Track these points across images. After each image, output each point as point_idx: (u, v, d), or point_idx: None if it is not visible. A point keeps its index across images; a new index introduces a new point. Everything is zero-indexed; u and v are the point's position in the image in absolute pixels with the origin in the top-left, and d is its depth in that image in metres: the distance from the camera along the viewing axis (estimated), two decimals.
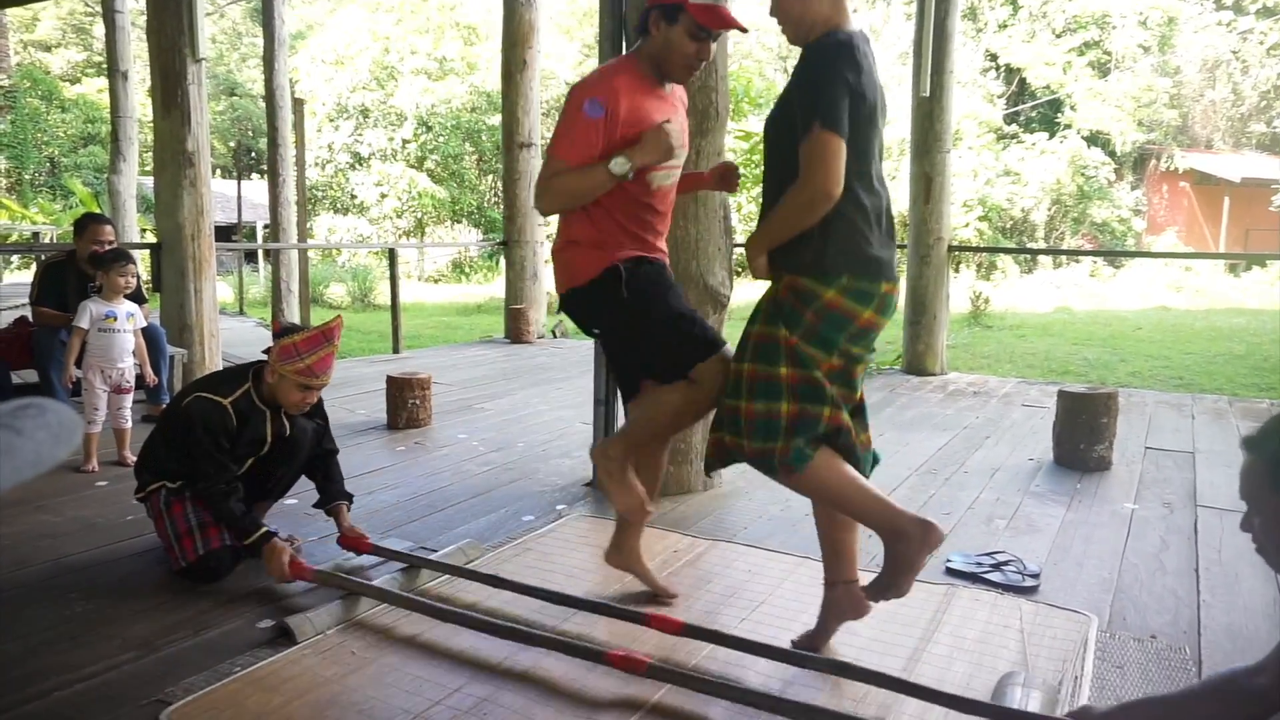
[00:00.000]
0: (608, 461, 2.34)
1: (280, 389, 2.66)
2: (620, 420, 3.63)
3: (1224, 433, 4.80)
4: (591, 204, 2.20)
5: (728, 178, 2.41)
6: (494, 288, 17.05)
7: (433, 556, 2.77)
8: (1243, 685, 1.47)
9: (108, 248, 4.34)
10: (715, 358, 2.18)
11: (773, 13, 1.99)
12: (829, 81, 1.81)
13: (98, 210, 14.15)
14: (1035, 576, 2.71)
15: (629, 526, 2.48)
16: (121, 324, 3.84)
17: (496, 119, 20.50)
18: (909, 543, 1.90)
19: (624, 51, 3.43)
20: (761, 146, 2.08)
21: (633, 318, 2.24)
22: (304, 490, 3.13)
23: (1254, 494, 1.39)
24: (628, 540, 2.50)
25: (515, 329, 8.53)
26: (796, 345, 1.90)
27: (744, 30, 2.18)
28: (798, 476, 1.94)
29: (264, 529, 2.58)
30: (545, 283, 9.29)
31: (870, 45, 1.93)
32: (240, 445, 2.68)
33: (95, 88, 24.16)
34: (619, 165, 2.10)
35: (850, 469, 1.97)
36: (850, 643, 2.23)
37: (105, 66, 11.77)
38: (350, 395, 5.64)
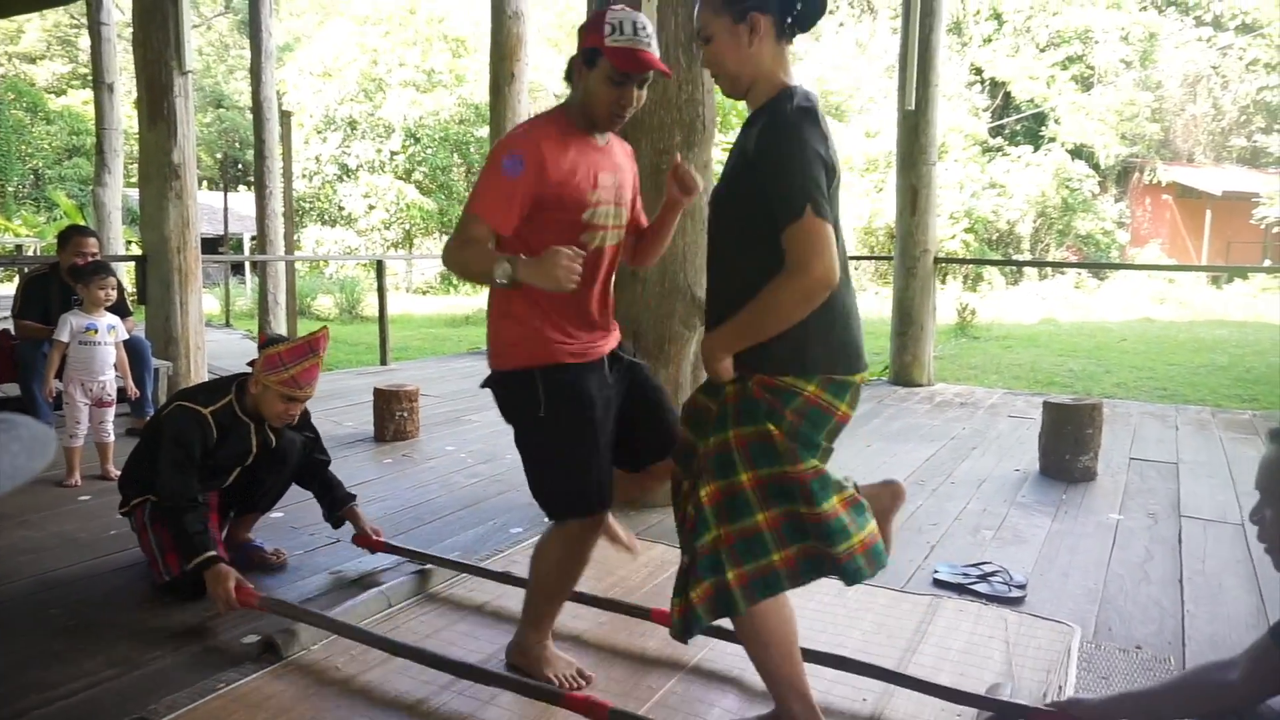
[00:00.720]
0: (527, 658, 2.11)
1: (264, 400, 2.63)
2: None
3: (1207, 444, 4.84)
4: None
5: (685, 183, 2.09)
6: (482, 299, 16.98)
7: (457, 552, 2.76)
8: (1215, 678, 1.54)
9: (89, 260, 4.31)
10: (591, 521, 2.02)
11: (705, 64, 1.82)
12: (808, 159, 1.62)
13: (82, 223, 14.07)
14: (1021, 587, 2.72)
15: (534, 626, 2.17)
16: (102, 336, 3.81)
17: (485, 131, 20.55)
18: None
19: None
20: (708, 223, 1.84)
21: (536, 435, 2.02)
22: (289, 503, 3.12)
23: (1271, 485, 1.43)
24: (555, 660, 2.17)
25: None
26: (788, 442, 1.68)
27: (667, 74, 2.01)
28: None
29: (211, 552, 2.43)
30: None
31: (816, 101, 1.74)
32: (220, 458, 2.64)
33: (80, 100, 24.06)
34: (502, 274, 1.84)
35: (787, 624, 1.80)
36: (834, 652, 2.23)
37: (90, 78, 11.74)
38: (337, 407, 5.62)
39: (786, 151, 1.64)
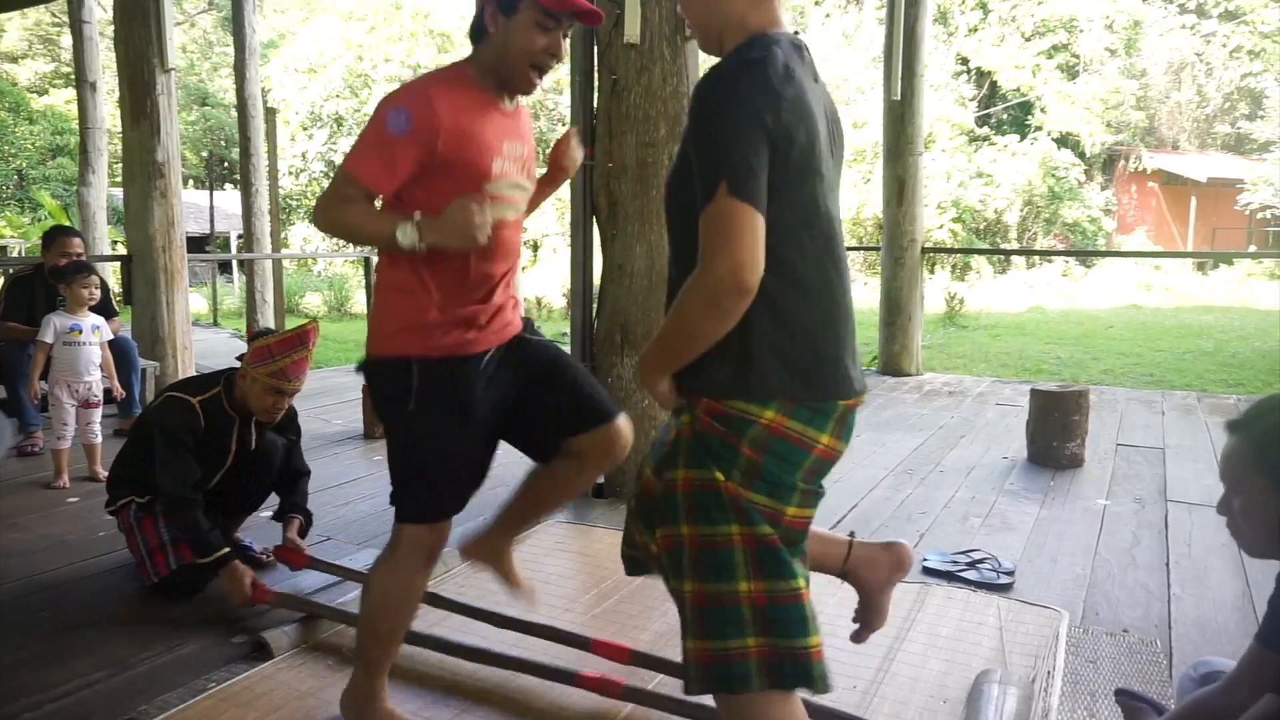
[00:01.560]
0: (355, 710, 1.89)
1: (251, 393, 2.61)
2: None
3: (1193, 428, 4.88)
4: (421, 259, 1.71)
5: (564, 158, 1.95)
6: None
7: None
8: (1220, 704, 1.46)
9: (72, 260, 4.29)
10: (427, 527, 1.81)
11: (681, 11, 1.55)
12: (734, 122, 1.25)
13: (67, 223, 13.98)
14: (1010, 574, 2.74)
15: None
16: (87, 337, 3.79)
17: None
18: None
19: (594, 54, 3.44)
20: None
21: (402, 428, 1.81)
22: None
23: (1236, 475, 1.41)
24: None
25: None
26: (739, 494, 1.30)
27: (599, 19, 1.78)
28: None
29: (225, 549, 2.50)
30: (522, 289, 9.28)
31: (804, 55, 1.37)
32: (205, 451, 2.62)
33: (63, 99, 23.85)
34: (406, 236, 1.64)
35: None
36: (826, 644, 2.24)
37: (73, 77, 11.64)
38: (327, 405, 5.60)
39: (709, 114, 1.28)
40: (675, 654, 2.03)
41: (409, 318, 1.74)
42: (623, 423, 1.93)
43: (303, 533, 2.85)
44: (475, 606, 2.41)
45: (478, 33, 1.76)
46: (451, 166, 1.69)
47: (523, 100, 1.86)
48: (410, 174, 1.69)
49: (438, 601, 2.46)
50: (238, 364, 2.68)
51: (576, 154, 1.98)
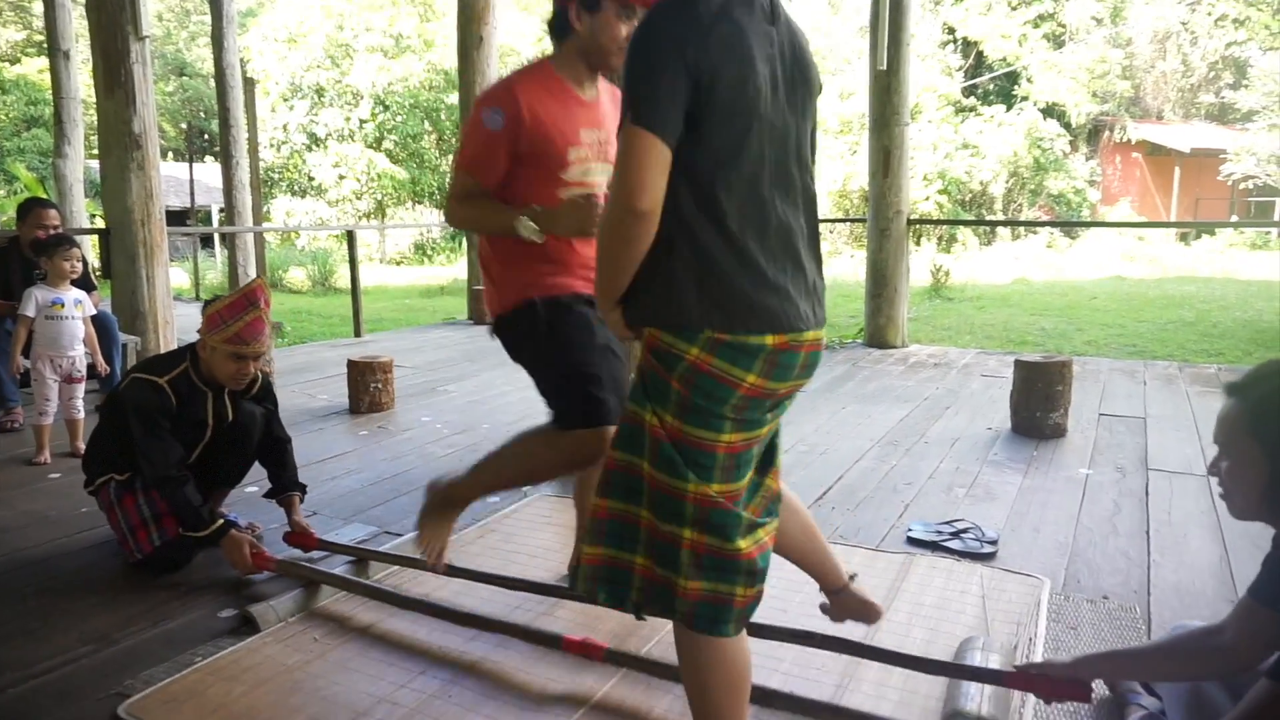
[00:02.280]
0: (435, 504, 2.19)
1: (214, 362, 2.57)
2: None
3: (1174, 398, 4.92)
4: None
5: None
6: (457, 269, 16.89)
7: (396, 541, 2.76)
8: (1204, 644, 1.52)
9: (51, 233, 4.23)
10: (593, 432, 1.98)
11: None
12: (650, 59, 1.30)
13: (44, 195, 13.75)
14: (993, 543, 2.77)
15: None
16: (70, 311, 3.75)
17: (455, 97, 20.22)
18: None
19: None
20: None
21: (546, 354, 2.07)
22: (263, 478, 3.09)
23: (1229, 437, 1.44)
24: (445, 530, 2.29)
25: (479, 310, 8.46)
26: (663, 440, 1.39)
27: None
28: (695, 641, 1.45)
29: (221, 520, 2.53)
30: None
31: None
32: (182, 427, 2.59)
33: (36, 68, 23.37)
34: (527, 229, 1.93)
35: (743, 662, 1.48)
36: (813, 613, 2.26)
37: (46, 46, 11.40)
38: (311, 380, 5.57)
39: (632, 49, 1.33)
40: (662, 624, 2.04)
41: (523, 275, 2.05)
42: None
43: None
44: (479, 571, 2.43)
45: (561, 29, 1.99)
46: (533, 156, 1.95)
47: (602, 87, 2.09)
48: (508, 166, 1.96)
49: (429, 569, 2.47)
50: (198, 337, 2.64)
51: None
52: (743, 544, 1.40)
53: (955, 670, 1.85)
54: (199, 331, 2.60)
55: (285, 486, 2.82)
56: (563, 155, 1.97)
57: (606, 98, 2.10)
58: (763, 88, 1.36)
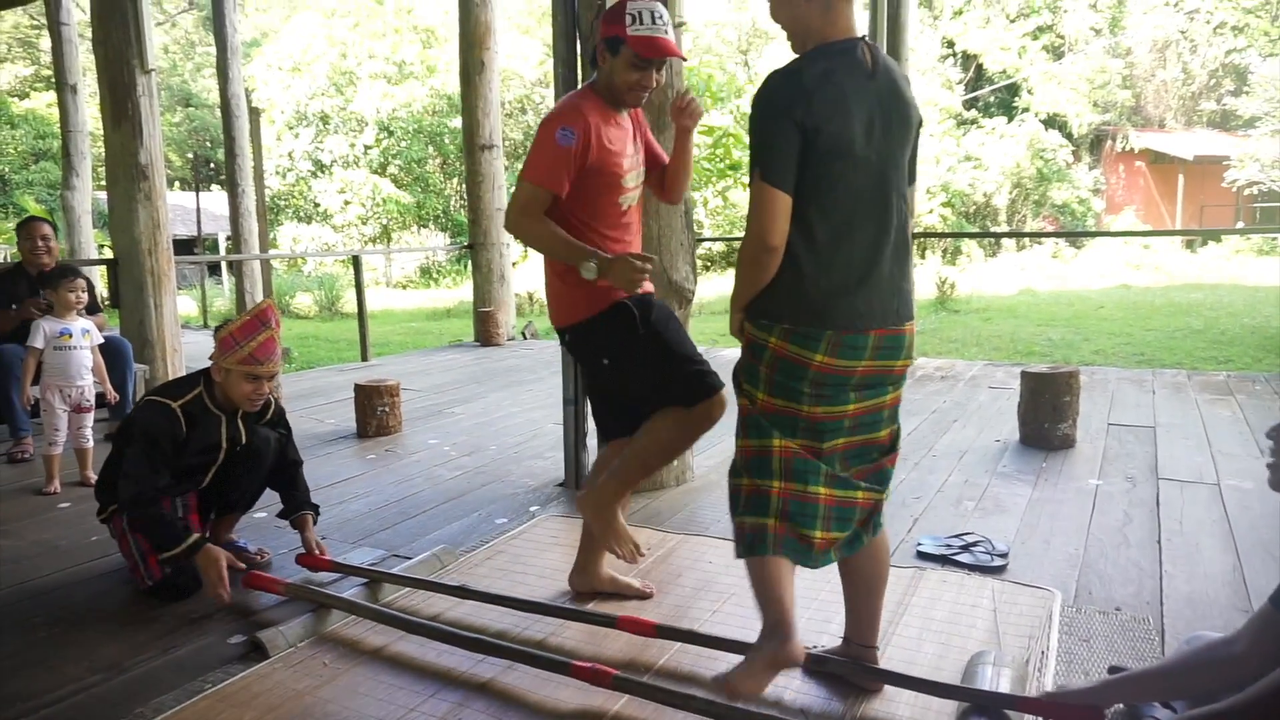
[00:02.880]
0: (600, 508, 2.38)
1: (229, 384, 2.61)
2: (591, 420, 3.63)
3: (1183, 406, 4.90)
4: (575, 235, 2.24)
5: (690, 110, 2.32)
6: (462, 291, 16.95)
7: (406, 564, 2.76)
8: (1220, 656, 1.49)
9: (46, 250, 4.36)
10: (715, 399, 2.27)
11: (772, 19, 1.89)
12: (769, 125, 1.69)
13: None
14: (1004, 556, 2.75)
15: (594, 550, 2.51)
16: (77, 340, 3.77)
17: (458, 122, 20.38)
18: (766, 648, 1.76)
19: (577, 48, 3.43)
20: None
21: (643, 350, 2.29)
22: (273, 503, 3.10)
23: None
24: (592, 563, 2.53)
25: (485, 332, 8.49)
26: (757, 413, 1.82)
27: (684, 60, 2.31)
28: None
29: (195, 536, 2.49)
30: (513, 285, 9.27)
31: (859, 57, 1.73)
32: (190, 452, 2.62)
33: (44, 102, 23.66)
34: (590, 272, 2.16)
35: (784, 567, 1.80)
36: (823, 630, 2.25)
37: (53, 80, 11.54)
38: (319, 405, 5.59)
39: (755, 114, 1.73)
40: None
41: (584, 292, 2.26)
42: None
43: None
44: (492, 593, 2.43)
45: (595, 63, 2.28)
46: (597, 170, 2.21)
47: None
48: (574, 179, 2.20)
49: (452, 590, 2.48)
50: (210, 363, 2.67)
51: (693, 107, 2.33)
52: (822, 490, 1.78)
53: (967, 695, 1.82)
54: (211, 357, 2.63)
55: (298, 505, 2.83)
56: (620, 166, 2.25)
57: (632, 119, 2.37)
58: (858, 134, 1.70)
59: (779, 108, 1.68)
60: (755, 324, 1.79)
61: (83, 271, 3.96)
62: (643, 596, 2.51)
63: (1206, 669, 1.52)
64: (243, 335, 2.57)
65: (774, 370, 1.77)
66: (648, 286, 2.32)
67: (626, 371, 2.33)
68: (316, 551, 2.75)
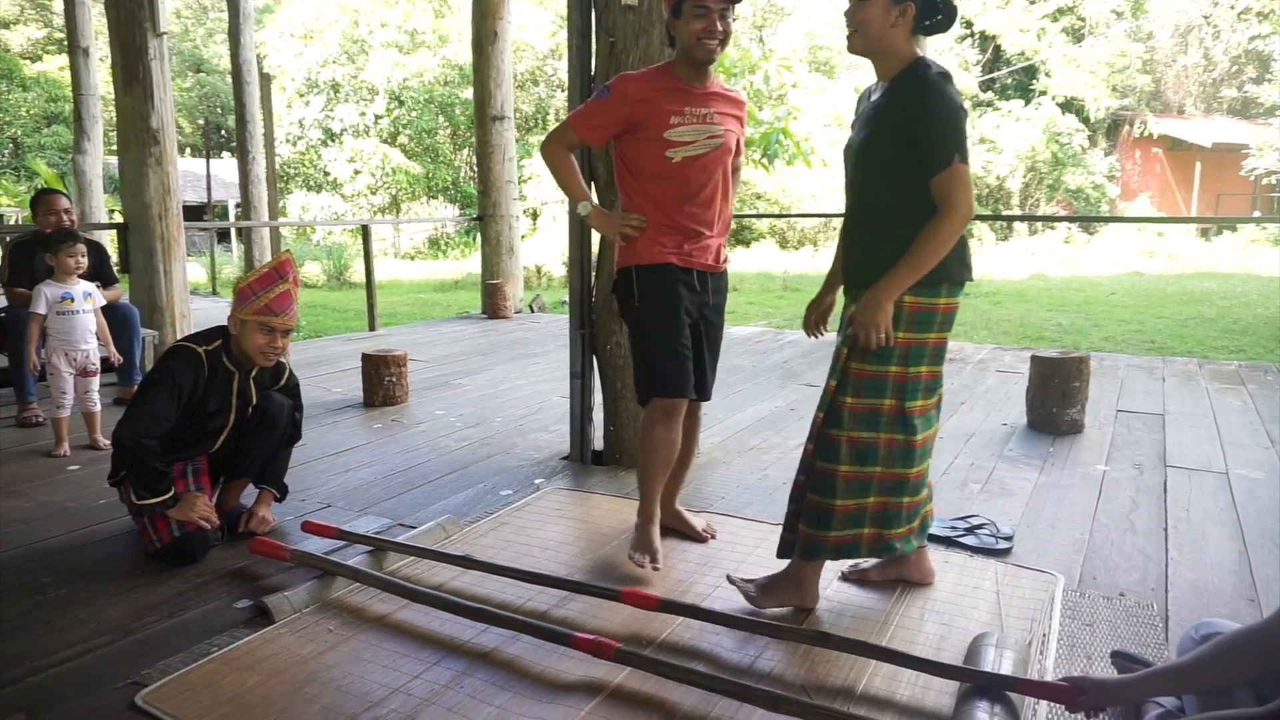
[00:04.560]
0: (639, 529, 2.56)
1: (244, 336, 2.64)
2: (598, 394, 3.64)
3: (1193, 394, 4.87)
4: (636, 188, 2.52)
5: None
6: (471, 263, 16.93)
7: (410, 533, 2.77)
8: (1256, 644, 1.43)
9: (64, 224, 4.29)
10: (666, 404, 2.49)
11: (852, 18, 2.09)
12: (957, 116, 2.00)
13: (65, 191, 13.88)
14: (1009, 539, 2.75)
15: (649, 523, 2.58)
16: (79, 304, 3.77)
17: (469, 92, 20.26)
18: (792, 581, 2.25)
19: (592, 19, 3.40)
20: (844, 164, 2.26)
21: (633, 324, 2.56)
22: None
23: None
24: (648, 540, 2.55)
25: (492, 304, 8.48)
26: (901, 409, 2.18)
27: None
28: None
29: (175, 491, 2.57)
30: (522, 258, 9.24)
31: None
32: (209, 402, 2.65)
33: (57, 65, 23.58)
34: (581, 209, 2.56)
35: None
36: (824, 608, 2.26)
37: (66, 43, 11.49)
38: (326, 373, 5.60)
39: (936, 110, 1.99)
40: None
41: (632, 243, 2.51)
42: (700, 409, 2.79)
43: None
44: (497, 564, 2.44)
45: (671, 38, 2.50)
46: (640, 122, 2.44)
47: (717, 87, 2.55)
48: (615, 131, 2.50)
49: (455, 560, 2.50)
50: (226, 323, 2.71)
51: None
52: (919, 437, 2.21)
53: (985, 678, 1.79)
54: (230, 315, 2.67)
55: (266, 478, 2.88)
56: (664, 120, 2.43)
57: (721, 92, 2.55)
58: None
59: (958, 103, 2.01)
60: (925, 294, 2.06)
61: (80, 235, 3.93)
62: (706, 536, 2.76)
63: (1247, 659, 1.45)
64: (260, 286, 2.61)
65: (944, 329, 2.14)
66: (703, 258, 2.54)
67: (629, 331, 2.59)
68: (259, 531, 2.77)
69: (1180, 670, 1.60)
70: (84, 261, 3.85)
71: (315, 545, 2.69)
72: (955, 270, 2.09)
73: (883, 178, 2.10)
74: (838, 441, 2.13)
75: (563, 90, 21.23)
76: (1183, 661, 1.62)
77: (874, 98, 2.15)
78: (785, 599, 2.23)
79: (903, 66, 2.06)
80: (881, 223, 2.11)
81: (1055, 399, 4.06)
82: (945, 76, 2.03)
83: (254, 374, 2.75)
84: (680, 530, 2.78)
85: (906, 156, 2.03)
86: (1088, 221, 19.59)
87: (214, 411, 2.68)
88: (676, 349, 2.48)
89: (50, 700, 1.90)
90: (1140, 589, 2.43)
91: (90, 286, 3.88)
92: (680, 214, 2.49)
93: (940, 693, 1.87)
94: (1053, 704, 1.79)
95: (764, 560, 2.57)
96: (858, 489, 2.15)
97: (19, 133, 22.88)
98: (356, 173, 21.46)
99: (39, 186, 17.93)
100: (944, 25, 2.09)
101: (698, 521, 2.80)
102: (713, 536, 2.77)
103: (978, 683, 1.81)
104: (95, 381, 3.85)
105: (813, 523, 2.17)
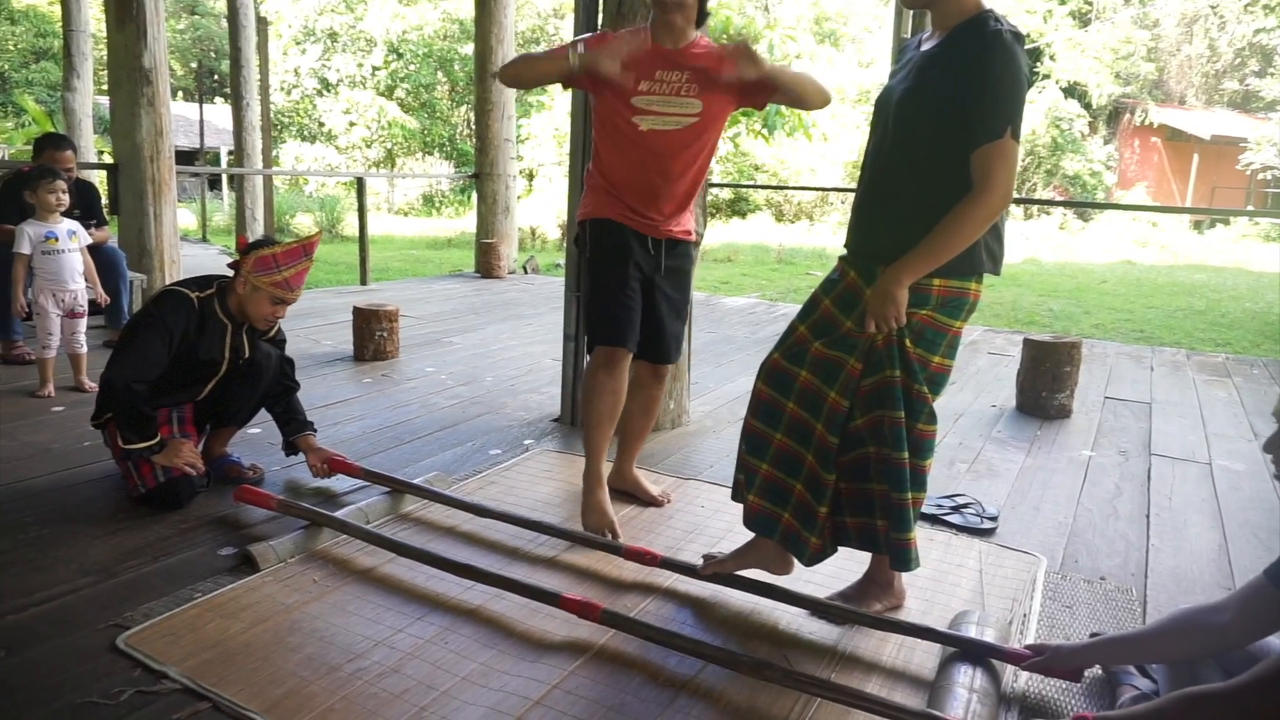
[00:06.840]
0: (586, 488, 2.59)
1: (251, 301, 2.62)
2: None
3: (1180, 385, 4.90)
4: (605, 145, 2.51)
5: (740, 58, 2.28)
6: (465, 222, 16.79)
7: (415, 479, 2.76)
8: (1205, 622, 1.52)
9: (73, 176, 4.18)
10: (607, 352, 2.52)
11: None
12: (1019, 85, 1.73)
13: (53, 129, 13.62)
14: (993, 519, 2.77)
15: (595, 487, 2.60)
16: (64, 243, 3.71)
17: (470, 48, 19.93)
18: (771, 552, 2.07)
19: None
20: (875, 117, 1.96)
21: (586, 276, 2.62)
22: (266, 420, 3.09)
23: None
24: (596, 499, 2.59)
25: (486, 264, 8.42)
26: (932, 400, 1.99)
27: None
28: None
29: (160, 438, 2.55)
30: (517, 217, 9.16)
31: None
32: (199, 349, 2.62)
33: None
34: (574, 55, 2.36)
35: None
36: (810, 579, 2.27)
37: None
38: (317, 326, 5.56)
39: (1000, 72, 1.71)
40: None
41: (591, 199, 2.57)
42: (665, 370, 2.73)
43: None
44: (499, 510, 2.51)
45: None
46: (602, 85, 2.39)
47: (695, 41, 2.46)
48: (591, 87, 2.46)
49: (466, 506, 2.54)
50: (230, 273, 2.67)
51: (741, 70, 2.29)
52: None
53: (958, 641, 1.86)
54: (237, 268, 2.63)
55: (301, 426, 2.87)
56: (628, 86, 2.38)
57: (699, 48, 2.45)
58: None
59: (1021, 68, 1.73)
60: (957, 280, 1.84)
61: (60, 173, 3.83)
62: (657, 504, 2.78)
63: (1191, 634, 1.54)
64: (285, 260, 2.60)
65: (966, 318, 1.91)
66: (660, 227, 2.53)
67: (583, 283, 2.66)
68: (332, 460, 2.80)
69: (1131, 639, 1.69)
70: (65, 199, 3.76)
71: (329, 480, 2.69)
72: (986, 261, 1.87)
73: (928, 133, 1.81)
74: (929, 436, 2.00)
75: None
76: (1137, 631, 1.70)
77: (925, 47, 1.87)
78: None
79: (967, 16, 1.79)
80: (918, 188, 1.83)
81: (1045, 383, 4.08)
82: (1017, 37, 1.74)
83: (246, 328, 2.73)
84: (635, 495, 2.80)
85: (953, 118, 1.75)
86: (1082, 207, 19.59)
87: (205, 361, 2.66)
88: (620, 299, 2.49)
89: (31, 639, 1.89)
90: (1121, 574, 2.46)
91: (75, 225, 3.81)
92: (641, 181, 2.47)
93: (926, 654, 1.89)
94: (1032, 674, 1.86)
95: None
96: (923, 482, 2.02)
97: (6, 67, 22.41)
98: (352, 125, 21.16)
99: (26, 123, 17.62)
100: None
101: (653, 488, 2.81)
102: (668, 502, 2.79)
103: (946, 643, 1.89)
104: (82, 323, 3.80)
105: (901, 526, 1.92)
